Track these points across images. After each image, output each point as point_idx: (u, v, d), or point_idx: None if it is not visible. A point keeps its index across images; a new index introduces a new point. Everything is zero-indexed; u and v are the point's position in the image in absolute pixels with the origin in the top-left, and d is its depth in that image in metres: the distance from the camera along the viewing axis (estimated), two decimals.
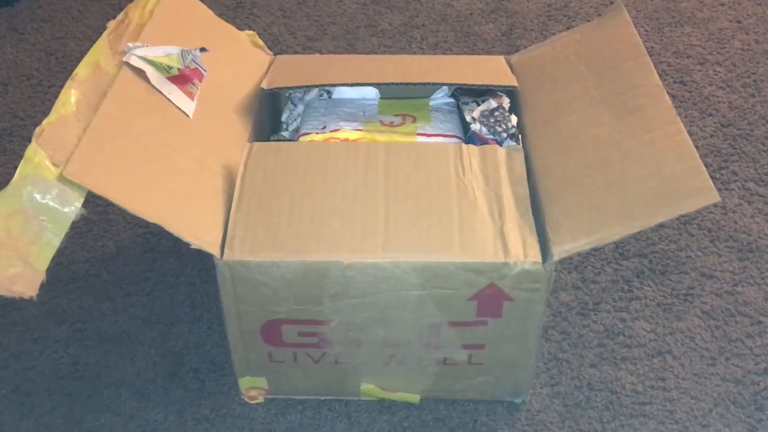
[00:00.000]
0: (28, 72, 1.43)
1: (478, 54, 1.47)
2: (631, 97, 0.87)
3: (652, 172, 0.79)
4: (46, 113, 1.28)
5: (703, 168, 0.76)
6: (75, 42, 1.50)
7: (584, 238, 0.78)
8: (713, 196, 0.74)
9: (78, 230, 1.06)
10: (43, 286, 0.73)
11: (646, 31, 1.50)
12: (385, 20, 1.55)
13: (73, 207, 0.73)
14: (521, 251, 0.78)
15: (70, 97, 0.78)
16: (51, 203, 0.72)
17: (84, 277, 1.07)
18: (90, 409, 0.92)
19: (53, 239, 0.72)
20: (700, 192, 0.75)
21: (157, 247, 1.10)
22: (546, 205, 0.83)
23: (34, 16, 1.57)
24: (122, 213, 1.12)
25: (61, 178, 0.72)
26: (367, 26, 1.53)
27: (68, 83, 0.79)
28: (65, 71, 1.42)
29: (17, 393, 0.94)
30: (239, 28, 1.07)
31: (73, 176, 0.72)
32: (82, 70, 0.81)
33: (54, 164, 0.73)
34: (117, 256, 1.10)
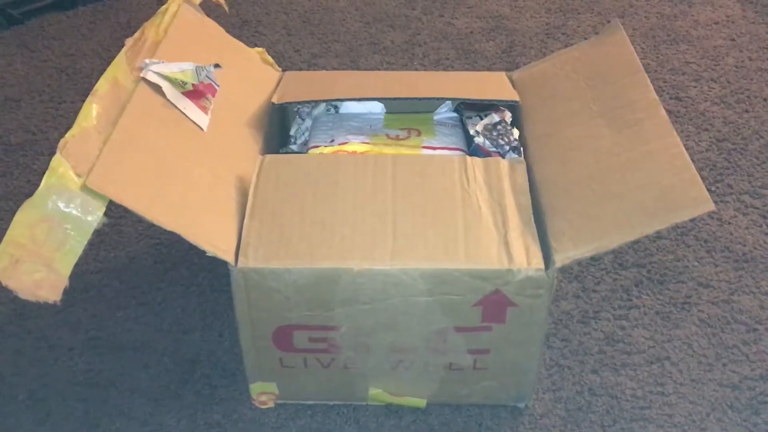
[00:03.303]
0: (40, 88, 1.46)
1: (479, 70, 1.50)
2: (629, 111, 0.90)
3: (649, 183, 0.82)
4: (57, 128, 1.32)
5: (699, 179, 0.79)
6: (85, 59, 1.53)
7: (585, 246, 0.81)
8: (708, 205, 0.77)
9: (91, 241, 1.08)
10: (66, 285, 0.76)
11: (643, 48, 1.54)
12: (387, 38, 1.58)
13: (95, 215, 0.76)
14: (525, 258, 0.81)
15: (92, 111, 0.81)
16: (74, 212, 0.75)
17: (97, 287, 1.10)
18: (105, 414, 0.95)
19: (76, 246, 0.75)
20: (696, 201, 0.78)
21: (168, 257, 1.13)
22: (548, 214, 0.86)
23: (44, 34, 1.60)
24: (134, 225, 1.16)
25: (84, 188, 0.75)
26: (369, 44, 1.57)
27: (89, 98, 0.82)
28: (76, 87, 1.45)
29: (33, 399, 0.97)
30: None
31: (95, 186, 0.75)
32: (102, 85, 0.85)
33: (77, 175, 0.76)
34: (129, 267, 1.13)
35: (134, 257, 1.14)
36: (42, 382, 0.98)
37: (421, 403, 0.94)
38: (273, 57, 1.13)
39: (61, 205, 0.75)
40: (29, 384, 0.98)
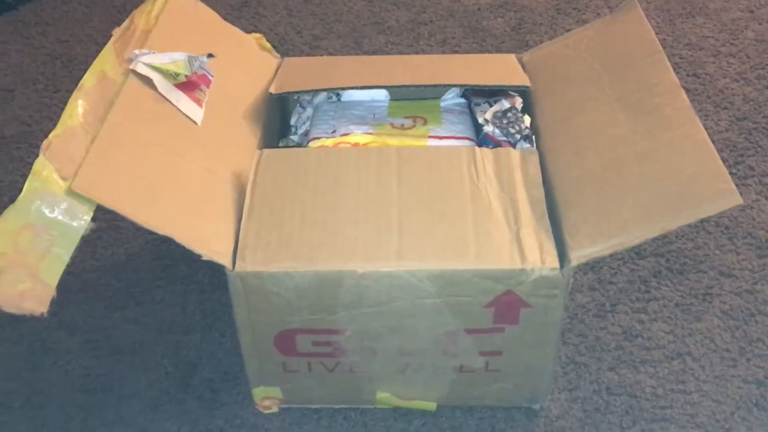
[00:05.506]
0: (34, 77, 1.42)
1: (487, 49, 1.45)
2: (648, 95, 0.85)
3: (671, 174, 0.77)
4: (52, 119, 1.28)
5: (724, 169, 0.74)
6: (80, 45, 1.48)
7: (603, 243, 0.76)
8: (735, 199, 0.72)
9: (87, 239, 1.04)
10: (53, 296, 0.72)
11: (658, 23, 1.47)
12: (392, 17, 1.53)
13: (82, 221, 0.72)
14: (538, 257, 0.77)
15: (77, 108, 0.77)
16: (60, 217, 0.71)
17: (94, 287, 1.06)
18: (103, 422, 0.91)
19: (63, 254, 0.71)
20: (722, 194, 0.73)
21: (168, 254, 1.09)
22: (562, 208, 0.81)
23: (38, 20, 1.55)
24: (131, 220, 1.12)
25: (70, 192, 0.71)
26: (373, 24, 1.52)
27: (75, 94, 0.78)
28: (71, 75, 1.41)
29: (29, 406, 0.93)
30: (245, 28, 1.05)
31: (82, 190, 0.71)
32: (88, 79, 0.80)
33: (62, 178, 0.71)
34: (127, 265, 1.09)
35: (132, 254, 1.10)
36: (38, 388, 0.95)
37: (431, 406, 0.90)
38: (273, 39, 1.08)
39: (45, 210, 0.70)
40: (25, 390, 0.95)
